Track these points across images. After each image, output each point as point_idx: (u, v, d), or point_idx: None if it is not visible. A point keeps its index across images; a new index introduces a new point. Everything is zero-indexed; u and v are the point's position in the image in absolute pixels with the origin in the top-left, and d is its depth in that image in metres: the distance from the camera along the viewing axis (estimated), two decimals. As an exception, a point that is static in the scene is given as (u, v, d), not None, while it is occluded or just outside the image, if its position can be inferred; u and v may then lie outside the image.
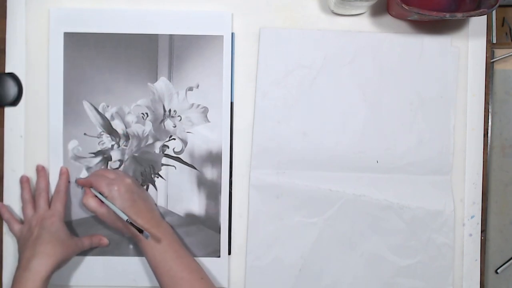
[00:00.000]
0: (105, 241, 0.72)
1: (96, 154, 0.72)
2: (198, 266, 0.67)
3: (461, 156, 0.75)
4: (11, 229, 0.70)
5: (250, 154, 0.73)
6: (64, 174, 0.71)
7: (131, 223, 0.63)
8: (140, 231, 0.63)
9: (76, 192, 0.72)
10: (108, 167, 0.72)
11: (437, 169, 0.74)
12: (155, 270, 0.65)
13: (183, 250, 0.67)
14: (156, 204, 0.73)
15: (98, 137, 0.72)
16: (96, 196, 0.67)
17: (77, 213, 0.72)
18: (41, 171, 0.71)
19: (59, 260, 0.65)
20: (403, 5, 0.65)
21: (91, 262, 0.72)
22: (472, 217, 0.75)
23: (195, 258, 0.71)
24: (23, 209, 0.70)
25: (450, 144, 0.74)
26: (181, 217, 0.73)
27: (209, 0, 0.73)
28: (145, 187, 0.73)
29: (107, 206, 0.66)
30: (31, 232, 0.66)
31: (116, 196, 0.66)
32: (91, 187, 0.68)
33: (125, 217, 0.64)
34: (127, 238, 0.72)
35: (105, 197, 0.66)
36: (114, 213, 0.65)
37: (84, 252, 0.71)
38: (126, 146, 0.73)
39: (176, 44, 0.72)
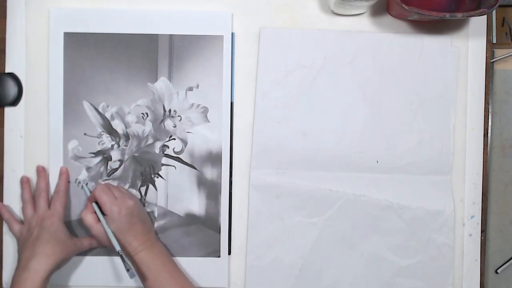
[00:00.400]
0: (105, 241, 0.72)
1: (96, 154, 0.72)
2: (192, 285, 0.67)
3: (461, 156, 0.75)
4: (11, 229, 0.70)
5: (250, 154, 0.73)
6: (64, 174, 0.71)
7: (121, 257, 0.63)
8: (127, 268, 0.63)
9: (76, 192, 0.72)
10: (108, 167, 0.72)
11: (437, 169, 0.74)
12: None
13: (177, 270, 0.67)
14: (156, 204, 0.73)
15: (98, 137, 0.72)
16: (95, 213, 0.67)
17: (77, 213, 0.72)
18: (41, 171, 0.71)
19: (59, 260, 0.65)
20: (403, 5, 0.65)
21: (91, 262, 0.72)
22: (472, 217, 0.75)
23: (195, 258, 0.71)
24: (23, 209, 0.70)
25: (450, 144, 0.74)
26: (181, 217, 0.73)
27: (209, 0, 0.73)
28: (145, 187, 0.73)
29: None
30: (30, 232, 0.66)
31: (116, 218, 0.66)
32: (95, 200, 0.68)
33: (117, 248, 0.64)
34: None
35: (104, 216, 0.66)
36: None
37: (84, 252, 0.71)
38: (126, 146, 0.73)
39: (176, 44, 0.72)
